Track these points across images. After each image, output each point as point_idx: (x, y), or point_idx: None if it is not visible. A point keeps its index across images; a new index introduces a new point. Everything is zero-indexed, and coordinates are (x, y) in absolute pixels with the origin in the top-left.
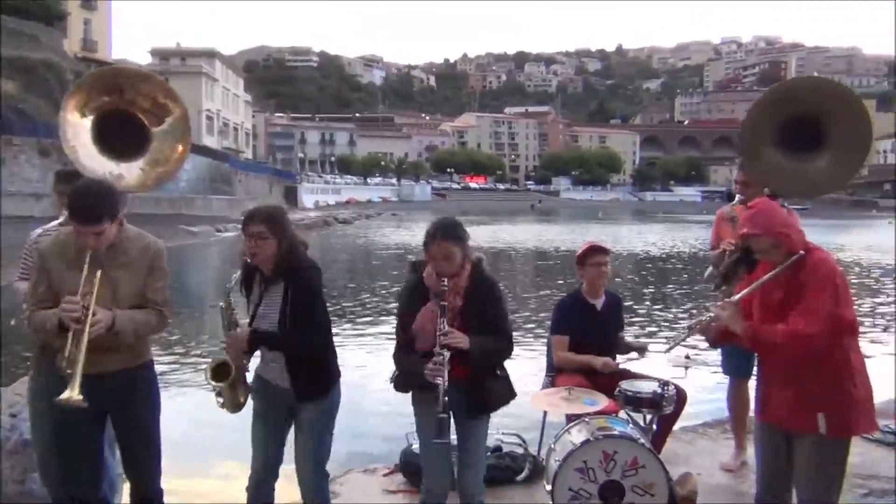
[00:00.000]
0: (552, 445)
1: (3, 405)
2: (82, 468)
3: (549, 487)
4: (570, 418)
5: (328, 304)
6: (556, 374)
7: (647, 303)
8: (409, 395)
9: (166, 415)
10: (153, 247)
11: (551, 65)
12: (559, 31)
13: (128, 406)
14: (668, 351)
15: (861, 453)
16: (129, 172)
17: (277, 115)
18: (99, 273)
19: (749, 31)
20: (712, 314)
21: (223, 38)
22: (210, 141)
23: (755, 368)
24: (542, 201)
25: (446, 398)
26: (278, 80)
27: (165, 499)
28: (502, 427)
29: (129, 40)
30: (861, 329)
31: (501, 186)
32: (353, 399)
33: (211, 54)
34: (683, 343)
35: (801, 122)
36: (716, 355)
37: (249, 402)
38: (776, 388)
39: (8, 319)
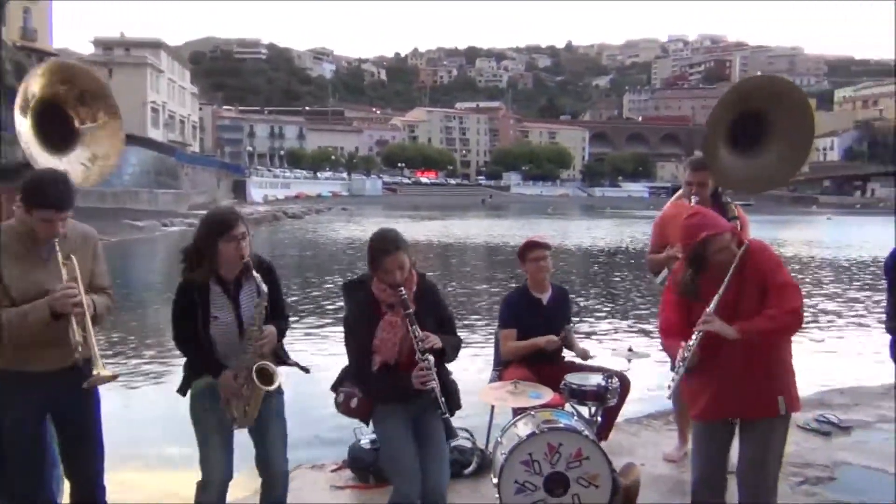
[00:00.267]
0: (499, 439)
1: None
2: (27, 468)
3: (495, 480)
4: (517, 412)
5: None
6: (503, 367)
7: (594, 297)
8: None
9: (104, 412)
10: (91, 234)
11: (502, 60)
12: (510, 27)
13: (72, 404)
14: (669, 397)
15: (797, 442)
16: (72, 168)
17: (225, 107)
18: (73, 259)
19: (695, 29)
20: (698, 334)
21: (169, 29)
22: (156, 134)
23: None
24: (493, 196)
25: (439, 398)
26: (226, 72)
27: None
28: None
29: (71, 30)
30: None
31: (452, 181)
32: (300, 395)
33: (156, 45)
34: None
35: (747, 119)
36: (658, 349)
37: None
38: (733, 383)
39: None
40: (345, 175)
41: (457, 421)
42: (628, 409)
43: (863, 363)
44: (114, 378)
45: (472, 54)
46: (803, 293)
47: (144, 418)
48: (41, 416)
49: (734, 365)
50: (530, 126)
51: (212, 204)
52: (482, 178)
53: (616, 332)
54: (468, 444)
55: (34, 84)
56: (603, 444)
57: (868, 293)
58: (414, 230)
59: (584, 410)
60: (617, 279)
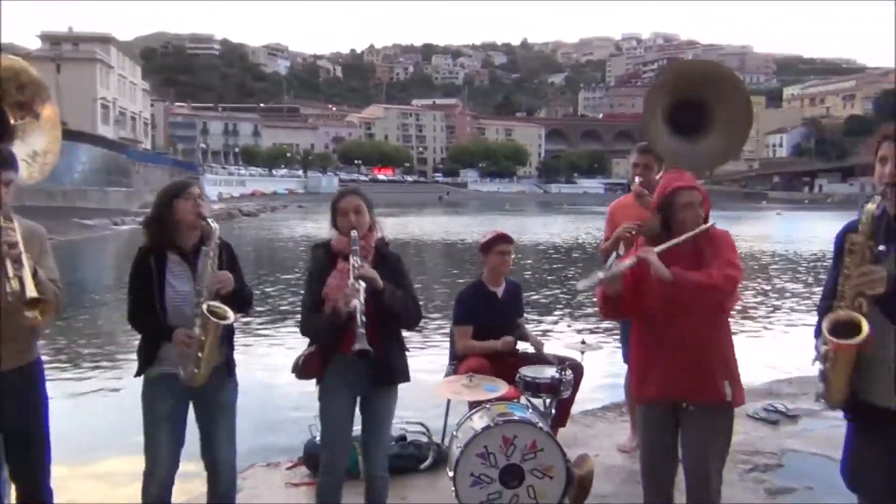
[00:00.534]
0: (455, 433)
1: None
2: None
3: (451, 473)
4: (473, 405)
5: None
6: (458, 362)
7: (549, 291)
8: (314, 385)
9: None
10: (38, 230)
11: (458, 57)
12: (466, 24)
13: (21, 406)
14: (580, 288)
15: (746, 432)
16: None
17: (178, 104)
18: (14, 220)
19: (648, 28)
20: (629, 263)
21: (118, 23)
22: (106, 131)
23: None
24: (450, 193)
25: (358, 316)
26: (178, 67)
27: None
28: (406, 416)
29: (17, 23)
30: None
31: (409, 178)
32: (256, 392)
33: (105, 40)
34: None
35: (686, 105)
36: (613, 341)
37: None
38: (676, 361)
39: None
40: (301, 172)
41: (413, 416)
42: (583, 401)
43: (810, 354)
44: (46, 303)
45: (428, 51)
46: (755, 286)
47: (94, 423)
48: None
49: (678, 350)
50: (487, 123)
51: None
52: (439, 175)
53: (570, 328)
54: (424, 439)
55: None
56: (558, 435)
57: (816, 288)
58: None
59: (539, 403)
60: (572, 272)
